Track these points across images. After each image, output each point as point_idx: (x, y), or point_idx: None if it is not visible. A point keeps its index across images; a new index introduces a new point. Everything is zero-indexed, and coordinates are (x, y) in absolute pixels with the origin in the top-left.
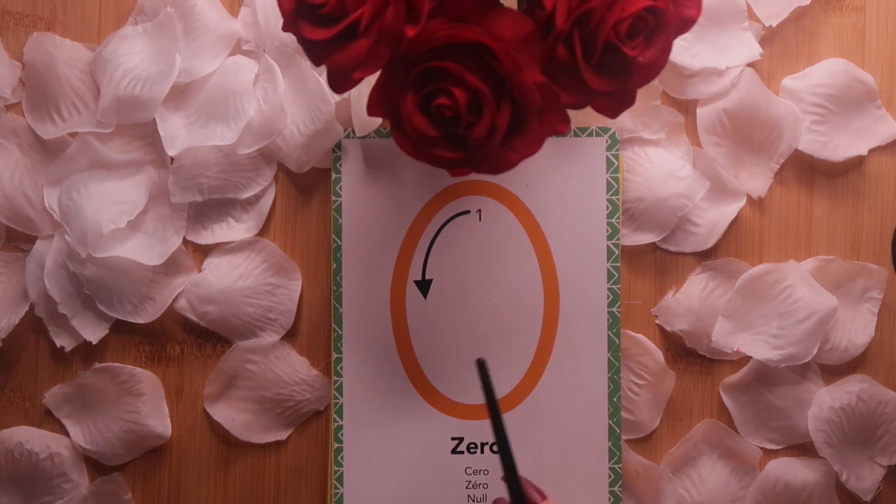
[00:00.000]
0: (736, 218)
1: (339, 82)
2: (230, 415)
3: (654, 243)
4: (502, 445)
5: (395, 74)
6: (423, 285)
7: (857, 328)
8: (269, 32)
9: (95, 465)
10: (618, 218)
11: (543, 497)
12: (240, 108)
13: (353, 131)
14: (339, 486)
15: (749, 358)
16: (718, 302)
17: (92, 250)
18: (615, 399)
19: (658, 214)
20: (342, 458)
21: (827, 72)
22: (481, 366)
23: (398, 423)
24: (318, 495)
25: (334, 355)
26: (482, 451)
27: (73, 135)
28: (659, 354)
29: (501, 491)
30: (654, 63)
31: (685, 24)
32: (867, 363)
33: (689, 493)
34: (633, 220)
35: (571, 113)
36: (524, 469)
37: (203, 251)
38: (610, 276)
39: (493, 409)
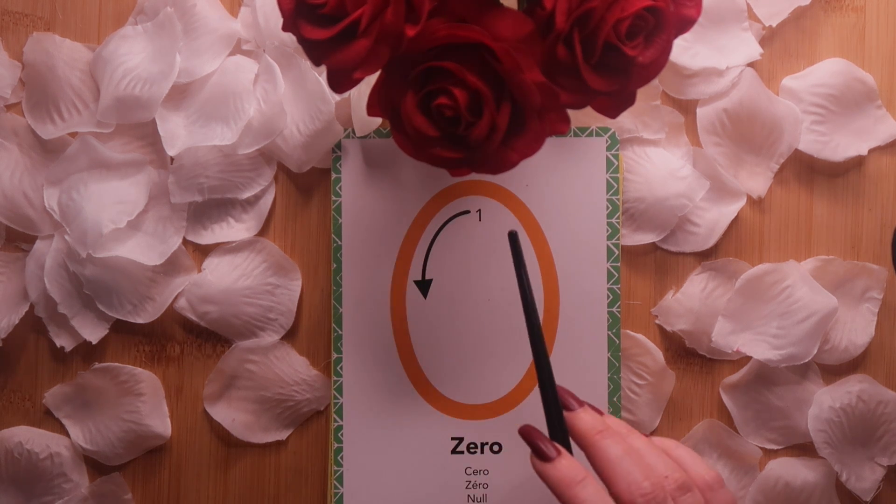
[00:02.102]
0: (736, 218)
1: (339, 82)
2: (230, 415)
3: (654, 243)
4: (534, 337)
5: (395, 74)
6: (423, 285)
7: (857, 328)
8: (269, 32)
9: (95, 465)
10: (618, 218)
11: (581, 403)
12: (240, 108)
13: (353, 131)
14: (339, 486)
15: (749, 358)
16: (718, 302)
17: (92, 250)
18: (615, 399)
19: (658, 214)
20: (342, 458)
21: (827, 72)
22: (513, 238)
23: (398, 423)
24: (318, 495)
25: (334, 355)
26: (482, 452)
27: (73, 135)
28: (659, 354)
29: (502, 491)
30: (654, 63)
31: (685, 24)
32: (867, 363)
33: None
34: (633, 220)
35: (571, 113)
36: (524, 471)
37: (203, 251)
38: (610, 276)
39: (524, 290)
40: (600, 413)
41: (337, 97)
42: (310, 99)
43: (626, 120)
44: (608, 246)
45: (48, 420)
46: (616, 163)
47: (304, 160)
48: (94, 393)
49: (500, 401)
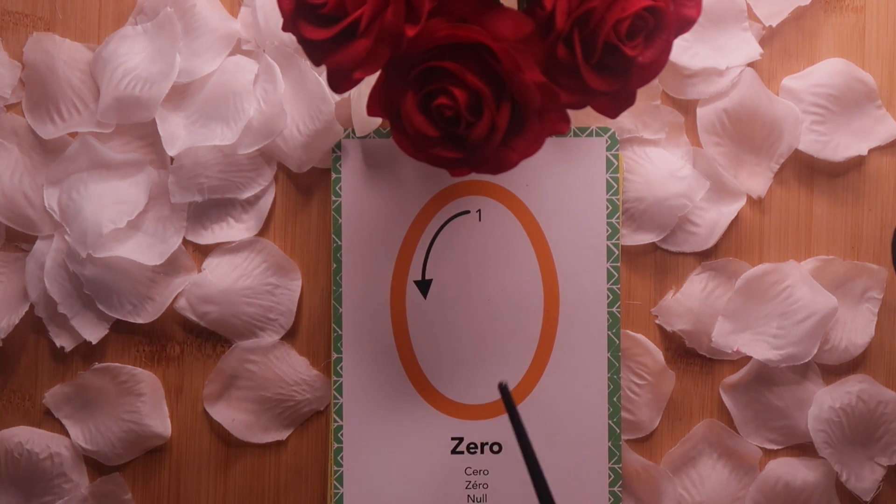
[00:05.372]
0: (736, 218)
1: (339, 82)
2: (230, 415)
3: (654, 243)
4: (533, 470)
5: (395, 74)
6: (423, 285)
7: (857, 328)
8: (269, 32)
9: (95, 465)
10: (618, 218)
11: None
12: (240, 108)
13: (353, 131)
14: (339, 486)
15: (749, 358)
16: (718, 302)
17: (92, 250)
18: (615, 399)
19: (658, 214)
20: (342, 458)
21: (827, 72)
22: (503, 390)
23: (398, 423)
24: (318, 495)
25: (334, 355)
26: (482, 452)
27: (73, 135)
28: (659, 354)
29: (502, 491)
30: (654, 63)
31: (685, 24)
32: (867, 363)
33: (689, 493)
34: (633, 220)
35: (571, 113)
36: (524, 471)
37: (203, 251)
38: (610, 276)
39: (520, 435)
40: None
41: (337, 97)
42: (310, 99)
43: (626, 120)
44: (608, 246)
45: (48, 420)
46: (616, 163)
47: (304, 160)
48: (94, 393)
49: (501, 401)
